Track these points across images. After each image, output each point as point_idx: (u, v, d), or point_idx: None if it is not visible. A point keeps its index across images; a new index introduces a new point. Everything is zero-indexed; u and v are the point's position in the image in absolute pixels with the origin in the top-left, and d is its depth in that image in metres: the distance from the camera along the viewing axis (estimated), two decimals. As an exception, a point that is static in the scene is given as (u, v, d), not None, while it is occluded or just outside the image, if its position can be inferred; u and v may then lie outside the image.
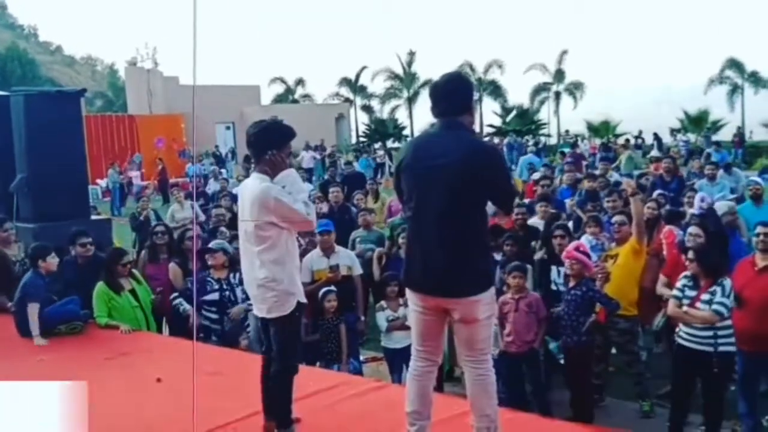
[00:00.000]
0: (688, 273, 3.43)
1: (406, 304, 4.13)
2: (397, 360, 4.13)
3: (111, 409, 3.08)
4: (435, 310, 2.25)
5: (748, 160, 18.19)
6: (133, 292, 4.30)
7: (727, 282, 3.29)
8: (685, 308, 3.35)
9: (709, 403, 3.37)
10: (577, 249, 3.81)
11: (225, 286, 4.20)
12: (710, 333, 3.28)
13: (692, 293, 3.37)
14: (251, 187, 2.49)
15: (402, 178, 2.27)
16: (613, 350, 4.16)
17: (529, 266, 4.17)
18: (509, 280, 3.82)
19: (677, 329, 3.47)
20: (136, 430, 2.87)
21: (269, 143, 2.48)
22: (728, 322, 3.31)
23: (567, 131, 26.00)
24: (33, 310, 4.11)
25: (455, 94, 2.24)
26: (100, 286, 4.25)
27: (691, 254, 3.40)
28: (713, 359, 3.25)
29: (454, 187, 2.13)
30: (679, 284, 3.45)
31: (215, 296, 4.15)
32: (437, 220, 2.15)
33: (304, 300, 2.57)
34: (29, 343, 4.13)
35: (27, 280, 4.20)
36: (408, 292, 2.30)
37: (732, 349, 3.31)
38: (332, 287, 4.21)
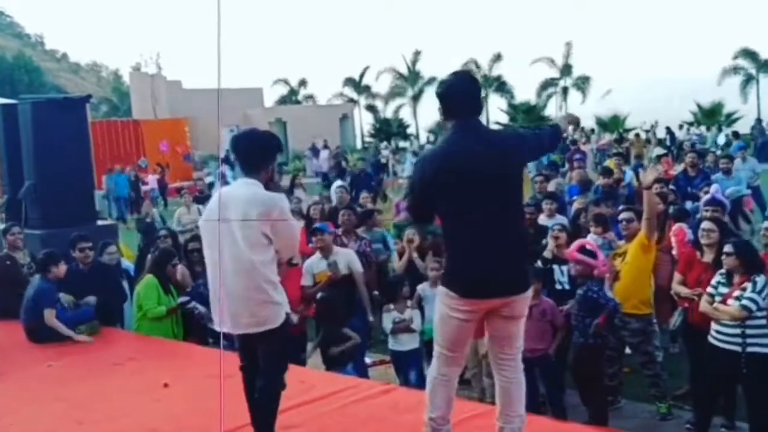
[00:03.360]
0: (722, 270, 3.34)
1: (413, 306, 4.12)
2: (403, 362, 4.08)
3: (117, 415, 3.07)
4: (479, 314, 2.22)
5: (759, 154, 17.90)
6: (172, 294, 4.26)
7: (761, 279, 3.19)
8: (715, 304, 3.28)
9: (751, 408, 3.25)
10: (582, 248, 3.72)
11: None
12: (738, 331, 3.19)
13: (725, 290, 3.28)
14: (247, 191, 2.38)
15: (444, 186, 2.14)
16: (628, 351, 4.08)
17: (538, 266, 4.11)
18: None
19: (711, 328, 3.35)
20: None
21: (264, 156, 2.43)
22: (761, 322, 3.20)
23: (582, 128, 25.73)
24: (51, 315, 4.12)
25: (476, 94, 2.25)
26: (150, 278, 4.20)
27: (729, 248, 3.30)
28: (741, 360, 3.16)
29: (514, 184, 2.22)
30: (713, 281, 3.36)
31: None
32: (503, 219, 2.16)
33: (289, 311, 2.50)
34: (39, 349, 4.15)
35: (40, 288, 4.20)
36: (454, 299, 2.17)
37: (763, 350, 3.19)
38: (320, 295, 4.15)
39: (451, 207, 2.17)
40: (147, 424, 2.94)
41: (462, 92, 2.21)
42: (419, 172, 2.23)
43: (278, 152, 2.52)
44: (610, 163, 7.74)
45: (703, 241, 3.64)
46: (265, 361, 2.43)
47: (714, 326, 3.30)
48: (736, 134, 16.40)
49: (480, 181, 2.13)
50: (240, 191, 2.40)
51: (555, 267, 4.13)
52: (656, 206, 4.03)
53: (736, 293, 3.21)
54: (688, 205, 5.51)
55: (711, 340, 3.31)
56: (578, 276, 3.69)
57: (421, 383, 4.00)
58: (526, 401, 3.69)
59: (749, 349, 3.17)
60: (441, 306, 2.25)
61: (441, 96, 2.23)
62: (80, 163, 5.77)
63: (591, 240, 4.18)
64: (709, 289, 3.36)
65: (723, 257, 3.30)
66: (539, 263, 4.17)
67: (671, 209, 4.86)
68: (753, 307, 3.14)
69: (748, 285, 3.18)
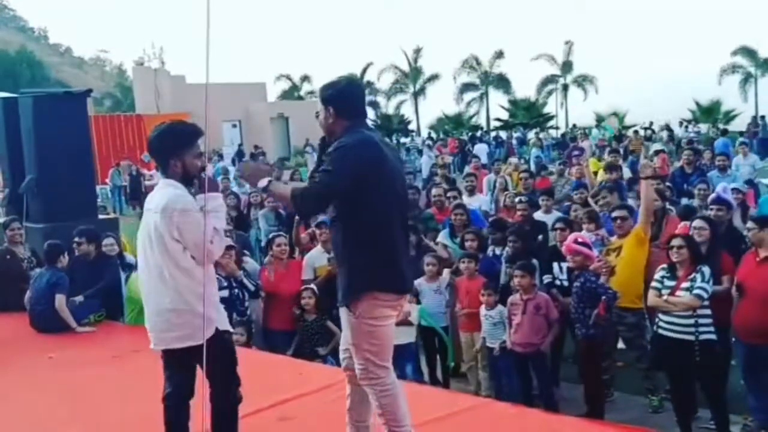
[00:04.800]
0: (665, 265, 3.43)
1: (411, 300, 4.16)
2: (399, 355, 4.12)
3: (116, 407, 3.12)
4: None
5: (760, 151, 17.85)
6: None
7: (706, 269, 3.30)
8: (665, 297, 3.34)
9: (708, 393, 3.35)
10: (575, 241, 3.76)
11: (234, 284, 4.20)
12: (691, 321, 3.26)
13: (671, 283, 3.36)
14: (160, 195, 2.21)
15: (382, 178, 2.08)
16: (621, 345, 4.11)
17: (535, 261, 4.14)
18: (514, 280, 3.79)
19: (656, 320, 3.44)
20: (141, 426, 2.90)
21: (175, 147, 2.20)
22: (708, 311, 3.30)
23: (575, 125, 25.75)
24: (62, 301, 4.22)
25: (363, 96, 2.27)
26: (135, 276, 4.28)
27: (679, 241, 3.38)
28: (695, 348, 3.23)
29: (403, 179, 2.32)
30: (657, 275, 3.44)
31: (225, 293, 4.16)
32: (405, 217, 2.25)
33: (226, 328, 2.29)
34: (40, 340, 4.21)
35: (55, 276, 4.28)
36: (382, 306, 2.11)
37: (713, 337, 3.29)
38: (311, 285, 4.20)
39: (379, 201, 2.07)
40: (146, 417, 2.97)
41: (361, 94, 2.24)
42: (354, 158, 2.05)
43: (190, 138, 2.22)
44: (593, 164, 7.77)
45: (695, 239, 3.65)
46: (209, 379, 2.25)
47: (664, 318, 3.36)
48: (724, 131, 16.34)
49: (396, 178, 2.18)
50: (156, 195, 2.25)
51: (554, 264, 4.16)
52: (653, 199, 4.04)
53: (685, 284, 3.29)
54: (684, 202, 5.53)
55: (662, 332, 3.36)
56: (576, 268, 3.72)
57: (416, 376, 4.07)
58: (520, 394, 3.74)
59: (702, 337, 3.25)
60: (364, 321, 2.09)
61: (348, 92, 2.16)
62: (81, 157, 5.79)
63: (587, 235, 4.21)
64: (655, 284, 3.43)
65: (673, 250, 3.37)
66: (535, 258, 4.21)
67: (667, 206, 4.86)
68: (705, 295, 3.24)
69: (697, 275, 3.27)
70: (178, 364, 2.25)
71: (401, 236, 2.18)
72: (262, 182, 2.14)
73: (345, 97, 2.17)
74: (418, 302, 4.20)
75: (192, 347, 2.18)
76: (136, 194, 15.47)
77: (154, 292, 2.22)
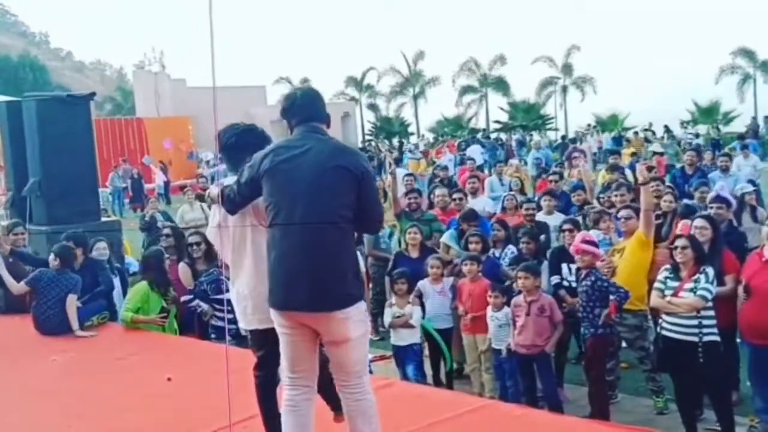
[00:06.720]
0: (668, 265, 3.42)
1: (413, 302, 4.17)
2: (403, 356, 4.13)
3: (119, 409, 3.12)
4: (305, 330, 2.13)
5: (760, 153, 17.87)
6: (166, 294, 4.32)
7: (710, 270, 3.29)
8: (668, 298, 3.34)
9: (712, 395, 3.35)
10: (583, 240, 3.77)
11: None
12: (695, 322, 3.27)
13: (674, 284, 3.36)
14: None
15: (266, 182, 2.12)
16: (625, 345, 4.11)
17: (544, 262, 4.13)
18: (518, 282, 3.79)
19: (660, 321, 3.44)
20: (143, 428, 2.90)
21: (255, 145, 2.34)
22: (711, 312, 3.30)
23: (590, 124, 25.75)
24: (73, 301, 4.23)
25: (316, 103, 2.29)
26: (142, 285, 4.28)
27: (683, 242, 3.38)
28: (698, 349, 3.23)
29: (338, 194, 2.08)
30: (660, 276, 3.44)
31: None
32: (318, 229, 2.05)
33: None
34: (43, 343, 4.20)
35: (71, 278, 4.28)
36: (272, 311, 2.12)
37: (717, 338, 3.29)
38: None
39: (269, 206, 2.12)
40: (149, 418, 2.99)
41: (303, 99, 2.27)
42: (254, 166, 2.17)
43: (264, 145, 2.37)
44: (579, 175, 7.82)
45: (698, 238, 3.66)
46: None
47: (667, 319, 3.37)
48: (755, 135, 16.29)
49: (297, 184, 2.06)
50: None
51: (563, 265, 4.15)
52: (652, 203, 4.05)
53: (689, 285, 3.29)
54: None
55: (666, 333, 3.37)
56: (584, 267, 3.71)
57: (419, 377, 4.07)
58: (524, 396, 3.74)
59: (705, 338, 3.25)
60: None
61: (283, 110, 2.27)
62: (84, 160, 5.81)
63: (594, 234, 4.20)
64: (658, 285, 3.43)
65: (677, 250, 3.37)
66: (544, 259, 4.21)
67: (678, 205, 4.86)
68: (709, 296, 3.25)
69: (701, 276, 3.27)
70: (260, 343, 2.39)
71: (291, 243, 2.04)
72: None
73: (284, 114, 2.28)
74: (422, 304, 4.20)
75: (268, 329, 2.27)
76: (138, 197, 15.50)
77: (255, 274, 2.31)
